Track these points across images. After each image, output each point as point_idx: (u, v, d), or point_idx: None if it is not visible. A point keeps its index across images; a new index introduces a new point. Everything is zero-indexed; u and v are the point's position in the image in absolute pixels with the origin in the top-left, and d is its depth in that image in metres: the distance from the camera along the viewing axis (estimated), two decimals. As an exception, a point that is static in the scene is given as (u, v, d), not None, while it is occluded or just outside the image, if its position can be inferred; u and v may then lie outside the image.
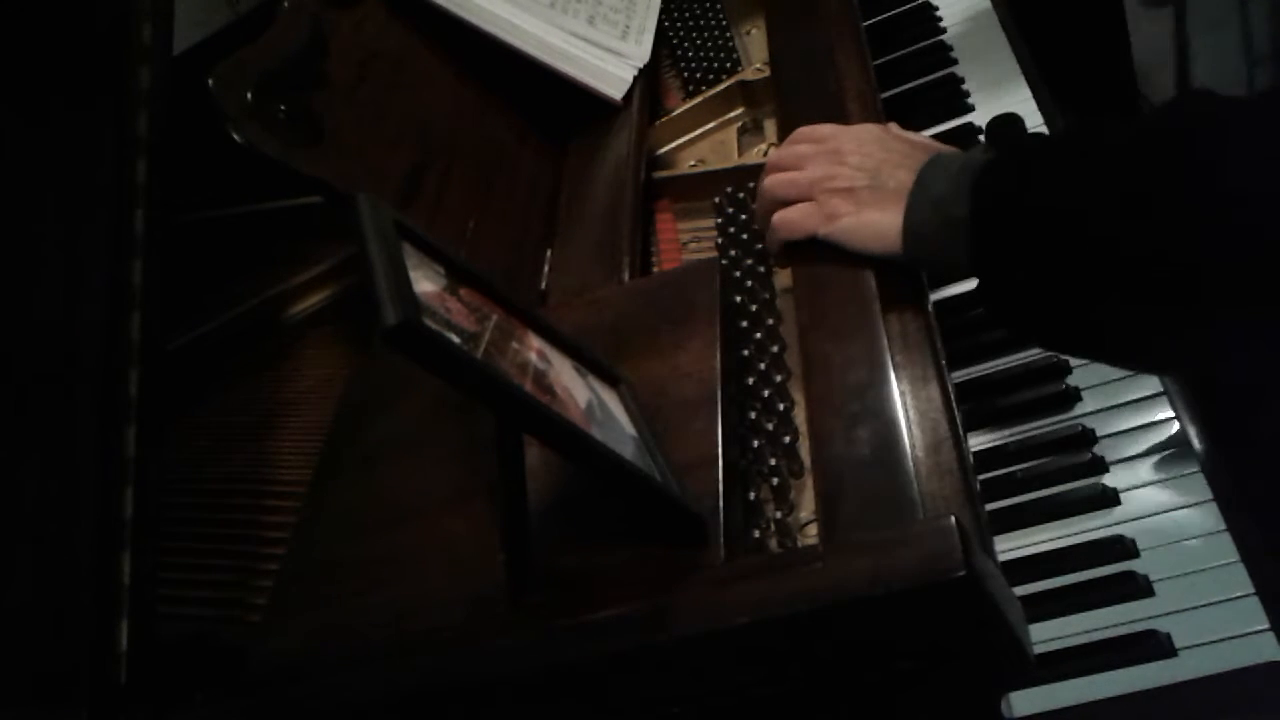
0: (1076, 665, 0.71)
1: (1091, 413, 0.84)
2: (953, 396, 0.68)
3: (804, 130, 0.85)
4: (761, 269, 0.84)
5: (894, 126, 0.85)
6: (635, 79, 1.03)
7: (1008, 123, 1.00)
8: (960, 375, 0.90)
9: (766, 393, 0.72)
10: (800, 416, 0.70)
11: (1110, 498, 0.78)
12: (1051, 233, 0.65)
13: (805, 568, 0.54)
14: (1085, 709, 0.69)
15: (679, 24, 1.18)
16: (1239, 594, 0.71)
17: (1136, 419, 0.82)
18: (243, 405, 0.97)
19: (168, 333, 0.89)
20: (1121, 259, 0.62)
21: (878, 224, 0.75)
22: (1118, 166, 0.65)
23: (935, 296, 0.95)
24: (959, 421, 0.67)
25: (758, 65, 1.06)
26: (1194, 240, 0.60)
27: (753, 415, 0.71)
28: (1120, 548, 0.75)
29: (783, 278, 0.82)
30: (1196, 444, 0.79)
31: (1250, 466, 0.80)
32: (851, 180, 0.77)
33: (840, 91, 0.93)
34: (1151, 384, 0.84)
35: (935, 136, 1.05)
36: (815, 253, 0.78)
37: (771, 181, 0.82)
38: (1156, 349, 0.69)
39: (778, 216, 0.80)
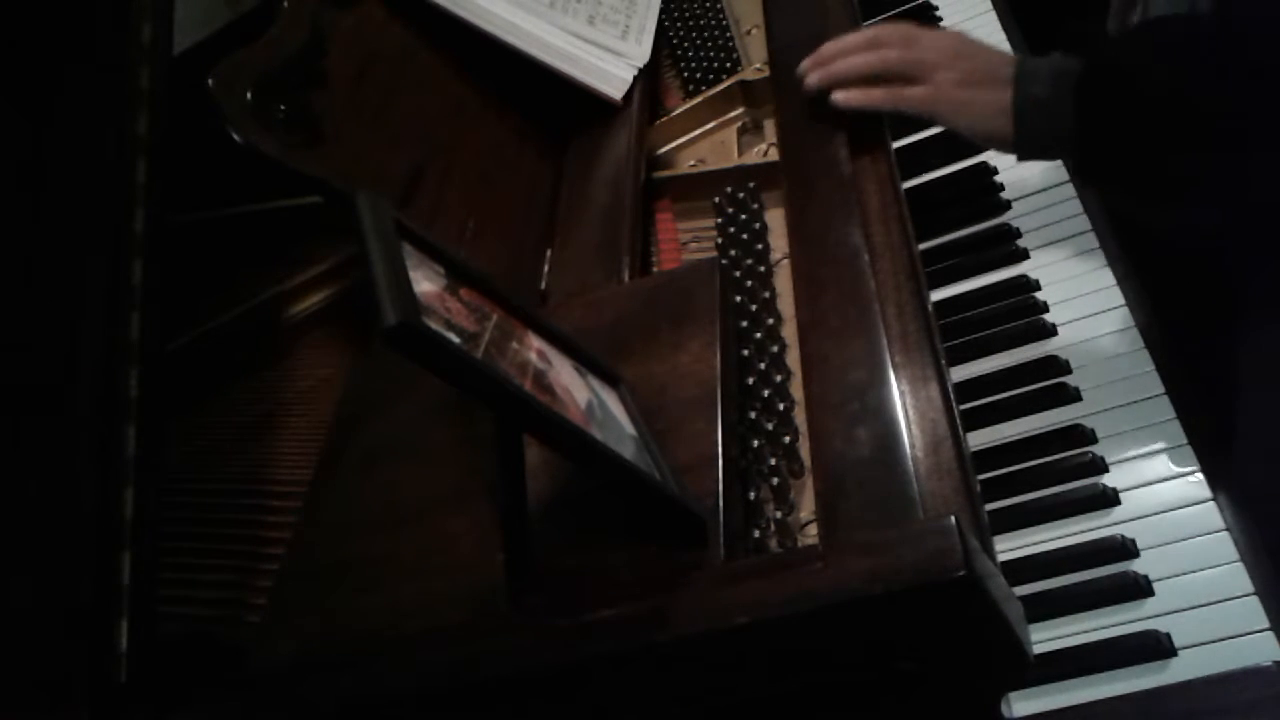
0: (1076, 665, 0.71)
1: (1092, 413, 0.84)
2: (952, 396, 0.68)
3: (888, 28, 0.93)
4: (762, 269, 0.84)
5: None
6: (635, 79, 1.03)
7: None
8: (960, 374, 0.90)
9: (766, 393, 0.72)
10: (800, 416, 0.70)
11: (1110, 498, 0.79)
12: (1143, 124, 0.82)
13: (805, 568, 0.54)
14: (1085, 709, 0.69)
15: (679, 24, 1.18)
16: (1239, 594, 0.71)
17: (1136, 419, 0.82)
18: (243, 405, 0.97)
19: (168, 333, 0.89)
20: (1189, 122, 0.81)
21: (991, 115, 0.87)
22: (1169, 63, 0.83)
23: (936, 297, 0.95)
24: (958, 421, 0.67)
25: (758, 65, 1.06)
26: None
27: (753, 415, 0.71)
28: (1120, 548, 0.75)
29: (783, 277, 0.82)
30: (1197, 445, 0.79)
31: (1249, 465, 0.80)
32: (969, 74, 0.88)
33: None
34: (1152, 385, 0.84)
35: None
36: (815, 251, 0.78)
37: (883, 54, 0.90)
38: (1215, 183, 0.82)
39: (894, 92, 0.89)
